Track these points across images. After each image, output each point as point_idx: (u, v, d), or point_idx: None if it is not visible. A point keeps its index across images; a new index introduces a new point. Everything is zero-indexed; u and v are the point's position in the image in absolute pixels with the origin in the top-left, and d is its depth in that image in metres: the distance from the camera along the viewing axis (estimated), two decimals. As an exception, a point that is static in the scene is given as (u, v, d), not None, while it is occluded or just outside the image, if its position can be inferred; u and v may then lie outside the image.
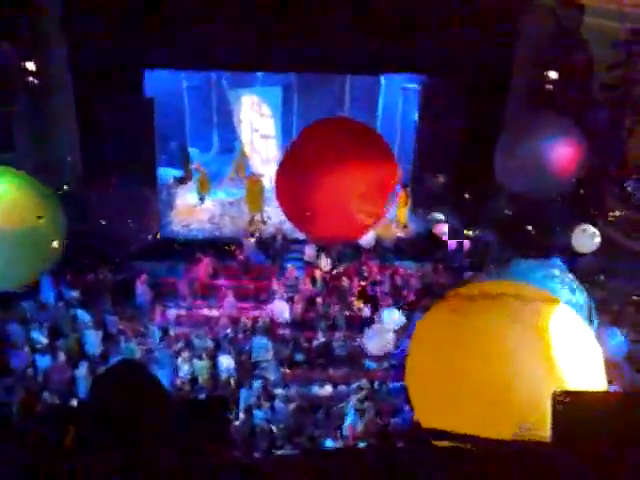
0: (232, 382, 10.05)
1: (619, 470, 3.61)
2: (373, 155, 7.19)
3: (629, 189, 11.16)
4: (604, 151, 11.57)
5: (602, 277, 10.74)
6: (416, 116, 15.16)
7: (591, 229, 9.82)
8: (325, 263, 12.65)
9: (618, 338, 8.82)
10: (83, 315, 11.21)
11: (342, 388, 9.85)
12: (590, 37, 12.16)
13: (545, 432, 3.48)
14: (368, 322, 11.03)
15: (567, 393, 4.15)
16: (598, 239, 9.79)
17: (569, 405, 4.03)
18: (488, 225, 13.27)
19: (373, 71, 15.34)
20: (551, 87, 12.16)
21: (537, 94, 12.40)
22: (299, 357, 10.65)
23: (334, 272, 12.44)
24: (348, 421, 9.09)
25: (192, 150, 16.05)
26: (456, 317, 4.85)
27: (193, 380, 10.25)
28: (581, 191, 11.56)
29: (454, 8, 12.75)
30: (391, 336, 10.05)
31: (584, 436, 3.84)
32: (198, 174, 14.91)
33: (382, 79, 16.02)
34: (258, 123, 15.83)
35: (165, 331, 11.19)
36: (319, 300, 11.76)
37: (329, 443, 8.87)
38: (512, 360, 4.62)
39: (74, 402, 9.26)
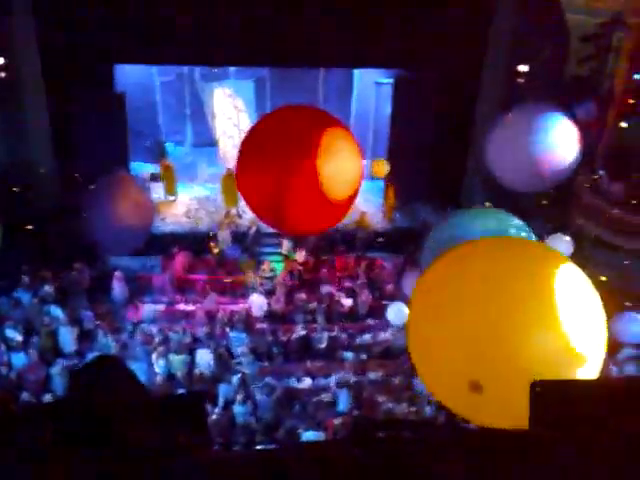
0: (210, 377, 10.01)
1: (600, 458, 3.63)
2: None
3: (600, 179, 11.32)
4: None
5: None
6: (389, 110, 15.23)
7: (565, 237, 9.86)
8: (301, 256, 12.66)
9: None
10: (58, 312, 10.98)
11: (321, 381, 9.86)
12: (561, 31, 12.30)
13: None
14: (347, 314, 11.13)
15: (547, 382, 4.16)
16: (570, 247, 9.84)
17: (549, 394, 4.03)
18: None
19: (346, 65, 15.35)
20: (522, 80, 12.27)
21: (509, 88, 12.52)
22: (277, 350, 10.62)
23: (310, 264, 12.45)
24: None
25: (166, 145, 15.91)
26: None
27: (170, 375, 10.17)
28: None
29: (426, 3, 12.84)
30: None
31: (564, 426, 3.86)
32: (165, 171, 14.69)
33: (355, 73, 16.04)
34: (231, 117, 15.74)
35: (142, 327, 11.04)
36: (297, 293, 11.73)
37: (309, 435, 8.87)
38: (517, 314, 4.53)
39: (50, 399, 9.15)
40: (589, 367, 4.77)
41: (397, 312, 9.28)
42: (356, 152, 6.49)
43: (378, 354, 10.34)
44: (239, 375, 10.04)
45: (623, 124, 11.45)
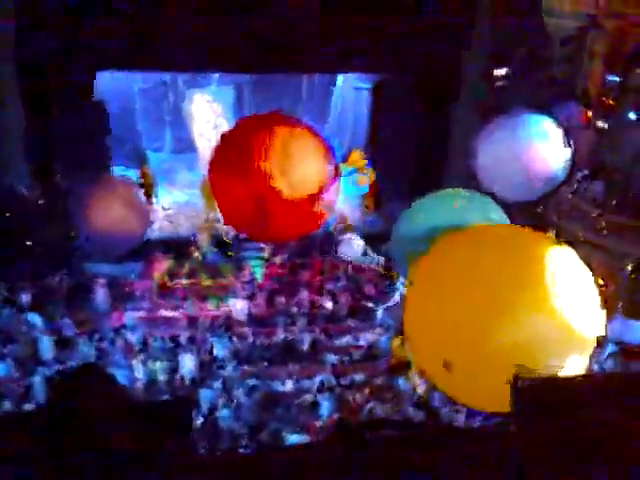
0: (193, 382, 9.95)
1: (583, 453, 3.63)
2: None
3: (578, 180, 11.44)
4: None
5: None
6: (368, 115, 15.32)
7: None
8: (281, 259, 12.56)
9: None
10: (37, 320, 10.82)
11: (304, 383, 9.83)
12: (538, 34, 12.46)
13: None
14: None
15: (530, 379, 4.16)
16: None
17: (532, 390, 4.04)
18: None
19: (327, 71, 15.40)
20: (501, 83, 12.39)
21: (487, 91, 12.64)
22: (260, 354, 10.58)
23: (290, 267, 12.42)
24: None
25: (147, 151, 15.82)
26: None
27: (153, 382, 10.10)
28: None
29: (405, 9, 12.91)
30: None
31: (547, 420, 3.85)
32: (143, 178, 14.56)
33: (338, 79, 16.10)
34: (211, 123, 15.71)
35: (123, 333, 10.95)
36: (278, 296, 11.63)
37: (293, 439, 8.85)
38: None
39: (30, 407, 9.05)
40: (581, 350, 4.77)
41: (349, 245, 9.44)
42: (322, 154, 6.45)
43: (360, 356, 10.35)
44: (222, 380, 10.03)
45: (601, 125, 11.63)
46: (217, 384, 9.84)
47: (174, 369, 10.19)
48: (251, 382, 9.80)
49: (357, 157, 14.52)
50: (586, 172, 11.49)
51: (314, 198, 6.32)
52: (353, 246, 10.36)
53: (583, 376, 4.51)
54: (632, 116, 11.16)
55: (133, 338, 10.79)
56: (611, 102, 11.40)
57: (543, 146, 8.14)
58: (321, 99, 16.48)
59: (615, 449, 3.34)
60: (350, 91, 16.04)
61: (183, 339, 10.77)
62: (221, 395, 9.55)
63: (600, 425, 3.58)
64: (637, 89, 11.10)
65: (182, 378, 9.99)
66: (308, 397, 9.36)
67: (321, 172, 6.46)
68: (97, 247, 8.58)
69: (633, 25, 11.43)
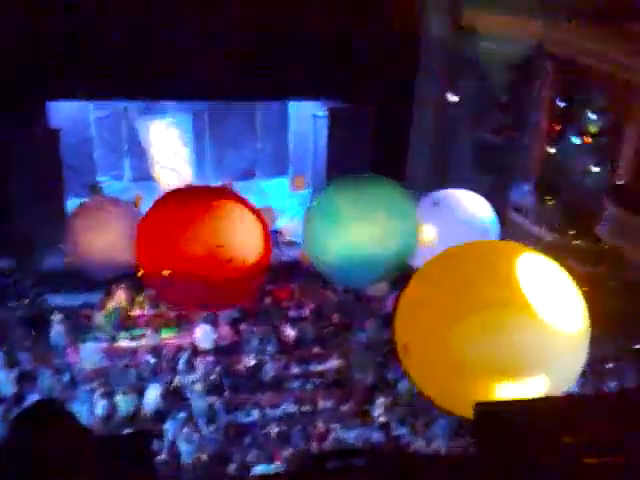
0: (158, 414, 9.78)
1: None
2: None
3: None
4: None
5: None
6: (325, 142, 15.48)
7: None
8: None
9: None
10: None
11: (270, 412, 9.75)
12: (485, 60, 12.81)
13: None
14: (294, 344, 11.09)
15: (490, 404, 4.24)
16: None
17: (492, 415, 4.11)
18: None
19: (282, 98, 15.54)
20: (453, 111, 12.68)
21: (443, 117, 12.92)
22: (225, 383, 10.48)
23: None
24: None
25: (104, 180, 15.60)
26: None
27: (116, 415, 9.88)
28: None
29: (358, 37, 13.15)
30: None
31: (508, 444, 3.92)
32: None
33: (290, 106, 16.22)
34: (170, 150, 15.65)
35: (83, 366, 10.70)
36: (243, 324, 11.51)
37: (260, 469, 8.74)
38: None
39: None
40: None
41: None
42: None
43: (327, 383, 10.33)
44: (187, 411, 9.87)
45: (550, 150, 12.01)
46: (181, 415, 9.69)
47: (137, 401, 10.08)
48: (217, 412, 9.70)
49: (300, 182, 14.90)
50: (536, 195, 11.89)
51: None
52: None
53: (541, 399, 4.60)
54: (575, 141, 11.56)
55: (93, 370, 10.65)
56: (557, 128, 11.82)
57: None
58: (276, 126, 16.62)
59: (568, 475, 3.43)
60: (307, 118, 16.19)
61: (146, 370, 10.70)
62: (186, 426, 9.41)
63: (553, 452, 3.68)
64: (579, 115, 11.55)
65: (145, 410, 9.83)
66: (275, 426, 9.32)
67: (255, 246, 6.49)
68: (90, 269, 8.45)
69: (578, 52, 11.89)
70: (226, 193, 7.16)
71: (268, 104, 16.01)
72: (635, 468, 3.18)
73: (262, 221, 6.56)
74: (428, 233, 7.17)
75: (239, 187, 15.99)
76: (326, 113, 15.58)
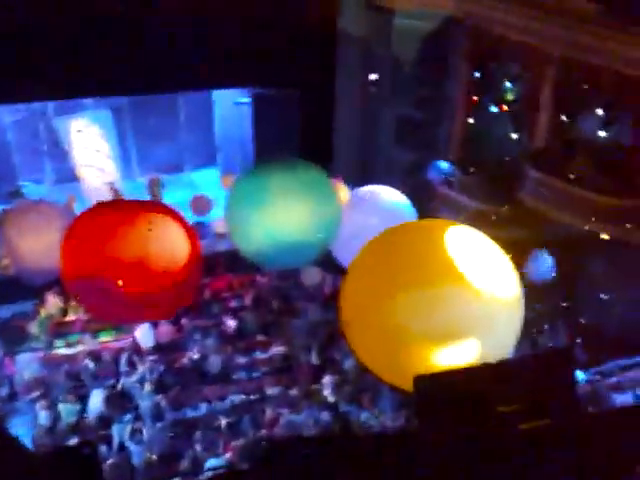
0: (104, 418, 9.61)
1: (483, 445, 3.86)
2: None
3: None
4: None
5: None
6: (251, 128, 15.41)
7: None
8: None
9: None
10: None
11: (218, 405, 9.74)
12: (401, 37, 12.97)
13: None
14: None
15: (427, 376, 4.36)
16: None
17: (430, 386, 4.24)
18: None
19: (203, 87, 15.32)
20: (374, 89, 12.83)
21: (365, 94, 13.03)
22: (170, 379, 10.38)
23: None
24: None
25: (25, 184, 15.12)
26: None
27: (60, 424, 9.66)
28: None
29: (276, 23, 13.07)
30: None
31: (447, 415, 4.06)
32: None
33: (214, 95, 16.03)
34: (92, 149, 15.23)
35: (20, 377, 10.43)
36: (183, 319, 11.40)
37: (212, 463, 8.73)
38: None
39: None
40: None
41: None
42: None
43: (273, 369, 10.38)
44: (134, 412, 9.74)
45: (470, 120, 12.31)
46: (128, 416, 9.56)
47: (81, 408, 9.87)
48: (163, 410, 9.60)
49: (229, 181, 14.66)
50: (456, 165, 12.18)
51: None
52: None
53: (475, 368, 4.74)
54: (493, 109, 11.90)
55: (33, 381, 10.35)
56: (475, 98, 12.11)
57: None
58: (201, 116, 16.40)
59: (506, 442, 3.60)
60: (230, 106, 16.05)
61: (86, 376, 10.50)
62: (133, 427, 9.29)
63: (498, 420, 3.84)
64: (495, 84, 11.87)
65: (92, 417, 9.65)
66: (224, 418, 9.31)
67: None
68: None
69: (490, 22, 12.16)
70: (153, 206, 7.04)
71: (190, 94, 15.79)
72: (560, 429, 3.37)
73: (192, 236, 6.49)
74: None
75: (167, 180, 15.82)
76: (249, 100, 15.50)
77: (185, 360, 10.67)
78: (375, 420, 8.41)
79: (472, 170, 11.98)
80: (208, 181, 16.22)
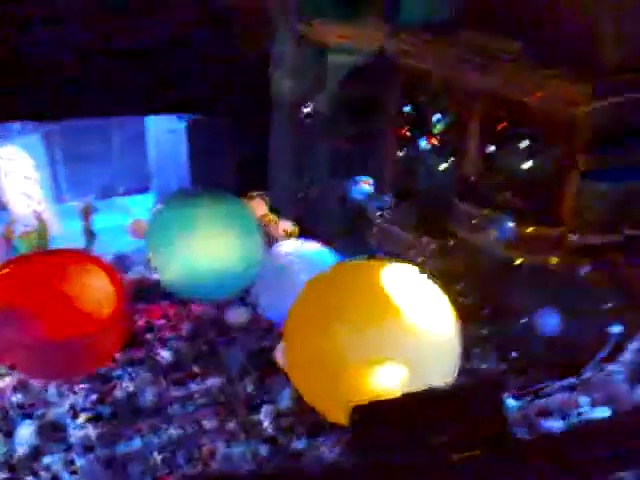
0: (33, 452, 9.29)
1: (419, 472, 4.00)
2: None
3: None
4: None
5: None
6: (185, 155, 15.41)
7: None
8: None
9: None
10: None
11: (153, 439, 9.56)
12: (333, 72, 13.33)
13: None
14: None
15: (363, 406, 4.49)
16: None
17: (366, 416, 4.36)
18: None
19: (137, 113, 15.21)
20: (309, 120, 13.07)
21: (299, 126, 13.26)
22: (103, 412, 10.15)
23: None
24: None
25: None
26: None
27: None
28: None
29: (210, 50, 13.17)
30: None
31: (382, 443, 4.18)
32: None
33: (148, 120, 15.95)
34: (20, 175, 14.87)
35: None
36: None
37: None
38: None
39: None
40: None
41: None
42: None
43: (209, 401, 10.27)
44: (65, 444, 9.49)
45: (401, 153, 12.71)
46: (60, 448, 9.30)
47: (9, 443, 9.53)
48: (96, 443, 9.38)
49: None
50: (391, 197, 12.54)
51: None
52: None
53: (413, 395, 4.89)
54: (423, 142, 12.36)
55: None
56: (407, 133, 12.55)
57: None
58: (135, 141, 16.27)
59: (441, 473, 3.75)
60: (164, 133, 16.02)
61: (13, 407, 10.13)
62: (65, 461, 9.05)
63: (431, 451, 3.99)
64: (425, 118, 12.36)
65: (19, 451, 9.32)
66: (157, 453, 9.16)
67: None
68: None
69: (418, 59, 12.64)
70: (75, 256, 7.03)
71: (123, 120, 15.66)
72: (490, 459, 3.55)
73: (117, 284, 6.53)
74: None
75: (100, 205, 15.57)
76: (184, 126, 15.51)
77: (118, 392, 10.48)
78: (315, 451, 8.46)
79: (403, 202, 12.34)
80: (142, 206, 16.08)
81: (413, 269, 5.87)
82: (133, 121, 15.95)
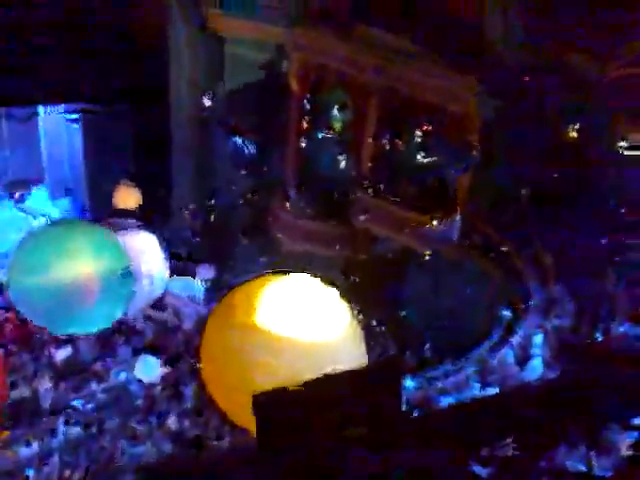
0: None
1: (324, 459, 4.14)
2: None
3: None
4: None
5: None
6: (81, 147, 14.85)
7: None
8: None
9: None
10: None
11: (50, 441, 9.21)
12: (233, 65, 13.27)
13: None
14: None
15: (265, 394, 4.57)
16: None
17: (269, 406, 4.45)
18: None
19: (24, 103, 14.49)
20: (209, 114, 12.98)
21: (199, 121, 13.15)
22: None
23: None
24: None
25: None
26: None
27: None
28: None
29: (105, 38, 12.76)
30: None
31: (288, 432, 4.30)
32: None
33: (40, 111, 15.24)
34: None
35: None
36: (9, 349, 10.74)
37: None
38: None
39: None
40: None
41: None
42: None
43: (111, 399, 10.02)
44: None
45: (301, 145, 12.88)
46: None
47: None
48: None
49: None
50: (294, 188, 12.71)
51: None
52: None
53: (315, 381, 5.01)
54: (322, 134, 12.64)
55: None
56: (305, 124, 12.73)
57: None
58: (26, 133, 15.52)
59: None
60: (59, 123, 15.35)
61: None
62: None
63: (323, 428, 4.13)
64: (324, 111, 12.60)
65: None
66: (56, 454, 8.84)
67: None
68: None
69: (316, 52, 12.81)
70: None
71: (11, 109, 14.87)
72: (377, 439, 3.74)
73: None
74: None
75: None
76: (78, 116, 14.94)
77: (15, 394, 10.04)
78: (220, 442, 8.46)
79: (303, 190, 12.54)
80: (36, 201, 15.39)
81: (310, 280, 6.09)
82: (23, 111, 15.19)
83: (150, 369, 9.50)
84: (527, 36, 11.07)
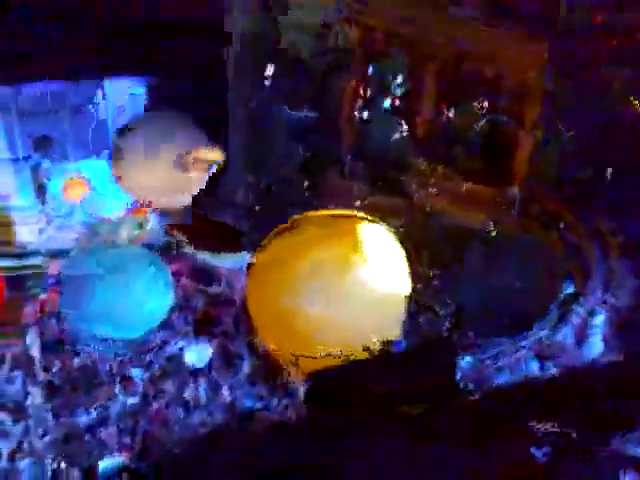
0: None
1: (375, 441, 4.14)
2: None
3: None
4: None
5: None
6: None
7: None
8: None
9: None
10: None
11: (111, 406, 9.53)
12: (292, 32, 13.12)
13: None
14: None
15: (317, 372, 4.60)
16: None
17: (321, 382, 4.47)
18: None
19: (94, 77, 14.83)
20: (270, 82, 12.89)
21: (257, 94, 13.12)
22: (57, 386, 10.04)
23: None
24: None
25: None
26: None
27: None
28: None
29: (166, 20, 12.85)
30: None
31: (338, 410, 4.32)
32: None
33: (106, 86, 15.59)
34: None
35: None
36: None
37: (106, 464, 8.56)
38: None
39: None
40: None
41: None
42: None
43: (168, 369, 10.25)
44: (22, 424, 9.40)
45: (361, 114, 12.69)
46: (17, 428, 9.16)
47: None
48: (50, 420, 9.33)
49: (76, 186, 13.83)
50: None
51: None
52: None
53: (365, 360, 5.03)
54: (383, 103, 12.37)
55: None
56: (366, 93, 12.48)
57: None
58: (89, 114, 15.90)
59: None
60: (125, 99, 15.69)
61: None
62: (21, 439, 8.95)
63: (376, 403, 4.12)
64: (386, 79, 12.35)
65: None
66: (115, 420, 9.13)
67: None
68: None
69: (379, 17, 12.53)
70: None
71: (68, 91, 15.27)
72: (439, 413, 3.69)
73: None
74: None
75: (52, 169, 15.16)
76: (144, 91, 15.20)
77: (77, 360, 10.37)
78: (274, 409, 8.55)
79: (360, 162, 12.38)
80: (97, 173, 15.79)
81: (372, 224, 6.06)
82: (87, 88, 15.56)
83: (200, 355, 9.71)
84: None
